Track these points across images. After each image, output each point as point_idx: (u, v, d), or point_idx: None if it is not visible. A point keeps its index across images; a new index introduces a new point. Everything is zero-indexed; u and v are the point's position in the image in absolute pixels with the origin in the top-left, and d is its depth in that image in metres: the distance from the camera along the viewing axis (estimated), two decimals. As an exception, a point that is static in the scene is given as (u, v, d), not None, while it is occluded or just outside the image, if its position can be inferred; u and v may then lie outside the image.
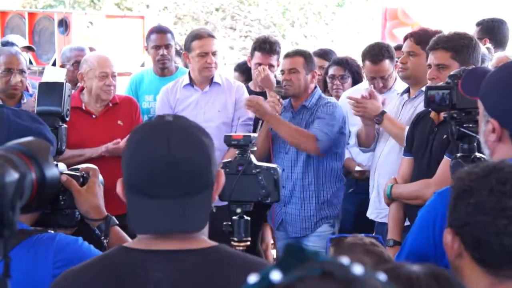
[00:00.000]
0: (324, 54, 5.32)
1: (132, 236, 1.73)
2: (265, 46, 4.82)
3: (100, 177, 2.22)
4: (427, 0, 8.18)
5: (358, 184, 4.59)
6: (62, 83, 2.48)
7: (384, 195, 3.66)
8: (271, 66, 4.81)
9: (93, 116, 4.34)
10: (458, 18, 9.15)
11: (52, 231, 2.08)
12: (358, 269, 0.94)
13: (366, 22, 13.84)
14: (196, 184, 1.61)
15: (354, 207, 4.56)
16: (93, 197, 2.13)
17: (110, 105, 4.36)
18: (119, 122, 4.30)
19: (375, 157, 4.07)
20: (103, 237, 2.12)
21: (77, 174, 2.15)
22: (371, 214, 4.08)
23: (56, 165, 1.99)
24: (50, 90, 2.44)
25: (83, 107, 4.33)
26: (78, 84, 4.47)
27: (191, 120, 1.71)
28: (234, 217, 2.34)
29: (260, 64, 4.78)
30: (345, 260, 0.95)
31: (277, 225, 4.38)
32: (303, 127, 4.27)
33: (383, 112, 3.86)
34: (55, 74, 4.00)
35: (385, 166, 3.92)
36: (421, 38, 3.85)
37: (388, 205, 3.65)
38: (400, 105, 3.95)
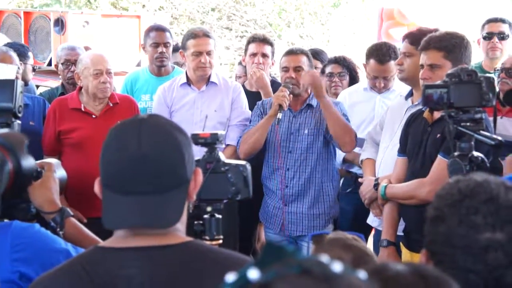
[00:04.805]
0: (316, 54, 5.32)
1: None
2: (258, 36, 4.92)
3: (61, 172, 2.25)
4: (424, 0, 8.18)
5: (357, 184, 4.58)
6: (13, 80, 2.50)
7: (378, 195, 3.65)
8: (265, 55, 4.82)
9: (93, 117, 4.32)
10: (454, 18, 9.15)
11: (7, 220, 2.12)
12: (337, 267, 0.94)
13: (362, 23, 13.83)
14: (167, 181, 1.61)
15: (352, 207, 4.56)
16: (46, 190, 2.18)
17: (111, 104, 4.35)
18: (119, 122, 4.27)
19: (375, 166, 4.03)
20: (58, 229, 2.16)
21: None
22: (372, 221, 4.06)
23: None
24: (1, 87, 2.46)
25: (82, 108, 4.32)
26: (79, 83, 4.42)
27: (168, 119, 1.73)
28: (205, 216, 2.34)
29: (255, 55, 4.79)
30: (324, 258, 0.95)
31: (277, 228, 4.34)
32: (308, 127, 4.25)
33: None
34: (6, 72, 3.98)
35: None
36: (416, 38, 3.82)
37: (383, 205, 3.64)
38: (404, 111, 3.89)
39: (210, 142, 2.38)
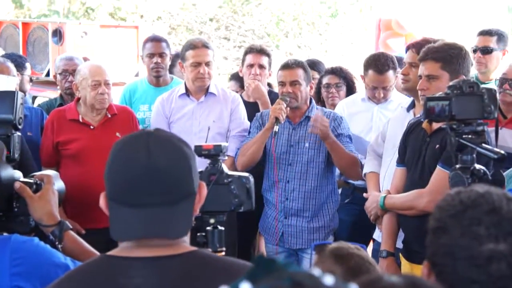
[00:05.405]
0: (313, 64, 5.33)
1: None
2: (255, 47, 4.95)
3: (60, 184, 2.26)
4: (421, 11, 8.21)
5: (354, 195, 4.58)
6: (14, 92, 2.50)
7: (377, 206, 3.64)
8: (262, 66, 4.83)
9: (91, 127, 4.31)
10: (452, 28, 9.17)
11: (6, 234, 2.13)
12: (328, 280, 0.94)
13: (360, 33, 13.87)
14: (176, 193, 1.62)
15: (350, 218, 4.55)
16: (46, 203, 2.19)
17: (109, 116, 4.34)
18: (117, 134, 4.27)
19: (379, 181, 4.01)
20: (57, 242, 2.16)
21: (30, 181, 2.22)
22: (379, 237, 4.04)
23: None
24: (2, 98, 2.46)
25: (80, 119, 4.31)
26: (77, 94, 4.42)
27: (172, 133, 1.75)
28: (208, 228, 2.34)
29: (252, 65, 4.81)
30: (316, 271, 0.95)
31: (276, 240, 4.34)
32: (309, 140, 4.24)
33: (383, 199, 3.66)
34: (7, 83, 3.98)
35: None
36: (422, 48, 3.80)
37: (382, 216, 3.63)
38: (405, 122, 3.87)
39: (214, 153, 2.38)
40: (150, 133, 1.66)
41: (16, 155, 2.39)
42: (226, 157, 2.47)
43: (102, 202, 1.66)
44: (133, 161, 1.61)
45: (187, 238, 1.68)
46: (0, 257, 2.00)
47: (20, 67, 4.94)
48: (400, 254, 3.55)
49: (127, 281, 1.60)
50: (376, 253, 3.92)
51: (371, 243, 4.35)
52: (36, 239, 2.08)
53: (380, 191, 3.81)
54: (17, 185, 2.17)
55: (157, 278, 1.60)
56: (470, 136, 2.56)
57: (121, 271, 1.61)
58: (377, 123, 4.58)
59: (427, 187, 3.29)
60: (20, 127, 2.44)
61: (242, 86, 5.23)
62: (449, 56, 3.43)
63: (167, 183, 1.60)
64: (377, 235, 4.07)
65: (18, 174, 2.24)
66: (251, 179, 2.38)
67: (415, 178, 3.41)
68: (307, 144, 4.26)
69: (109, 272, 1.62)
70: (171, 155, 1.62)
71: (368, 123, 4.66)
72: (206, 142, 3.00)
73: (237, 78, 5.53)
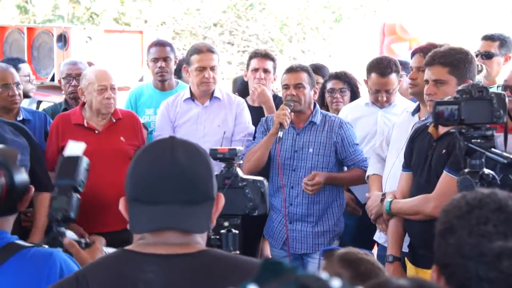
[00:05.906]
0: (317, 69, 5.33)
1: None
2: (260, 51, 4.95)
3: (106, 250, 2.37)
4: (426, 16, 8.20)
5: (358, 199, 4.57)
6: (80, 157, 2.60)
7: (383, 210, 3.64)
8: (266, 71, 4.83)
9: (96, 132, 4.31)
10: (456, 33, 9.17)
11: (47, 246, 2.21)
12: (335, 283, 0.94)
13: (364, 38, 13.87)
14: (197, 194, 1.66)
15: (354, 221, 4.56)
16: (91, 259, 2.27)
17: (114, 120, 4.34)
18: (122, 138, 4.28)
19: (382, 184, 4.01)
20: None
21: (81, 240, 2.35)
22: (379, 238, 4.04)
23: (64, 232, 2.28)
24: (67, 164, 2.58)
25: (85, 124, 4.31)
26: (82, 99, 4.42)
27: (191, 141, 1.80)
28: (222, 231, 2.35)
29: (257, 70, 4.81)
30: (323, 274, 0.95)
31: (280, 244, 4.34)
32: (313, 146, 4.25)
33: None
34: (76, 148, 4.04)
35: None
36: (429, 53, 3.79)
37: (388, 220, 3.63)
38: (410, 126, 3.86)
39: (228, 157, 2.40)
40: (173, 138, 1.72)
41: (73, 215, 2.44)
42: (241, 161, 2.52)
43: (122, 206, 1.71)
44: (158, 161, 1.66)
45: (202, 241, 1.71)
46: (39, 272, 2.07)
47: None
48: (406, 258, 3.55)
49: (138, 276, 1.65)
50: (380, 258, 3.91)
51: (375, 248, 4.34)
52: (74, 260, 2.17)
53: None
54: (66, 240, 2.27)
55: (168, 275, 1.64)
56: (479, 140, 2.56)
57: (134, 265, 1.66)
58: (381, 127, 4.58)
59: (434, 192, 3.29)
60: (80, 190, 2.51)
61: (238, 90, 5.25)
62: (456, 61, 3.43)
63: (190, 184, 1.65)
64: (377, 236, 4.07)
65: (70, 233, 2.35)
66: (266, 183, 2.40)
67: (422, 182, 3.40)
68: (311, 150, 4.25)
69: (122, 266, 1.68)
70: (194, 158, 1.68)
71: (372, 128, 4.66)
72: (221, 145, 3.02)
73: (234, 83, 5.55)
